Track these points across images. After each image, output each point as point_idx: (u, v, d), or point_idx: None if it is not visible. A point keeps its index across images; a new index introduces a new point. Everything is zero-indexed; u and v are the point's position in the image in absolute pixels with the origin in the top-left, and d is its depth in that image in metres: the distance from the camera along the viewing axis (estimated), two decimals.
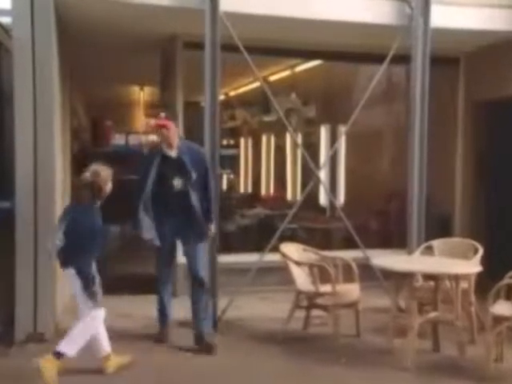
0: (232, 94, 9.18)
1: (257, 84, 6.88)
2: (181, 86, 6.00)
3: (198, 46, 4.95)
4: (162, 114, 4.55)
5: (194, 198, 4.35)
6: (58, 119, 4.84)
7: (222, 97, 6.93)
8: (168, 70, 6.48)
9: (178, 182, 4.35)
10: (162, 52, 6.62)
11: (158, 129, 4.38)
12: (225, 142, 10.31)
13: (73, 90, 6.71)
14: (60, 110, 5.09)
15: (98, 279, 3.79)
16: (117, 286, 5.60)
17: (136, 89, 10.57)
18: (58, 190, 4.77)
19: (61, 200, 4.87)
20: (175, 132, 4.41)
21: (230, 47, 4.84)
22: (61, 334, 4.02)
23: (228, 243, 6.16)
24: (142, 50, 6.49)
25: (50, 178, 4.54)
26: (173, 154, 4.37)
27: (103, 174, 3.81)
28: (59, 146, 4.93)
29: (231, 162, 9.31)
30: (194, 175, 4.35)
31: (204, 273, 4.47)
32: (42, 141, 4.48)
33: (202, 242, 4.46)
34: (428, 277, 4.46)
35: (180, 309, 4.67)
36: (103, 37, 5.80)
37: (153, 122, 5.21)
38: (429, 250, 4.86)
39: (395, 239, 6.59)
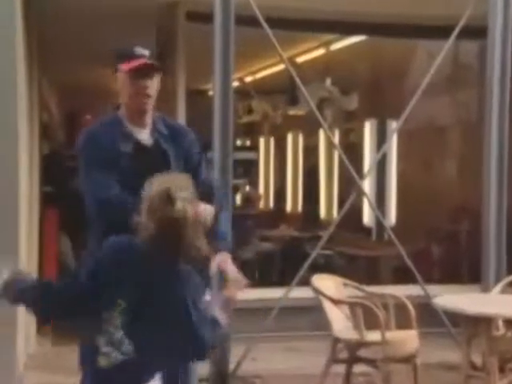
0: (249, 79, 9.22)
1: (281, 67, 6.90)
2: (183, 68, 6.05)
3: (206, 17, 4.97)
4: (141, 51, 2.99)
5: None
6: (23, 114, 4.86)
7: (235, 83, 6.97)
8: (166, 48, 6.51)
9: None
10: (158, 25, 6.67)
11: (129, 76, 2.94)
12: (239, 143, 10.37)
13: (42, 76, 6.78)
14: (25, 102, 5.11)
15: None
16: None
17: None
18: (23, 209, 4.74)
19: (26, 224, 4.82)
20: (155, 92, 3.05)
21: (246, 19, 4.84)
22: None
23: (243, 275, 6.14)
24: (133, 22, 6.51)
25: (11, 192, 4.49)
26: (145, 137, 3.02)
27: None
28: (25, 150, 4.94)
29: (248, 169, 9.34)
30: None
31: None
32: (2, 142, 4.46)
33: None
34: None
35: None
36: (82, 7, 5.85)
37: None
38: None
39: (466, 271, 6.56)
